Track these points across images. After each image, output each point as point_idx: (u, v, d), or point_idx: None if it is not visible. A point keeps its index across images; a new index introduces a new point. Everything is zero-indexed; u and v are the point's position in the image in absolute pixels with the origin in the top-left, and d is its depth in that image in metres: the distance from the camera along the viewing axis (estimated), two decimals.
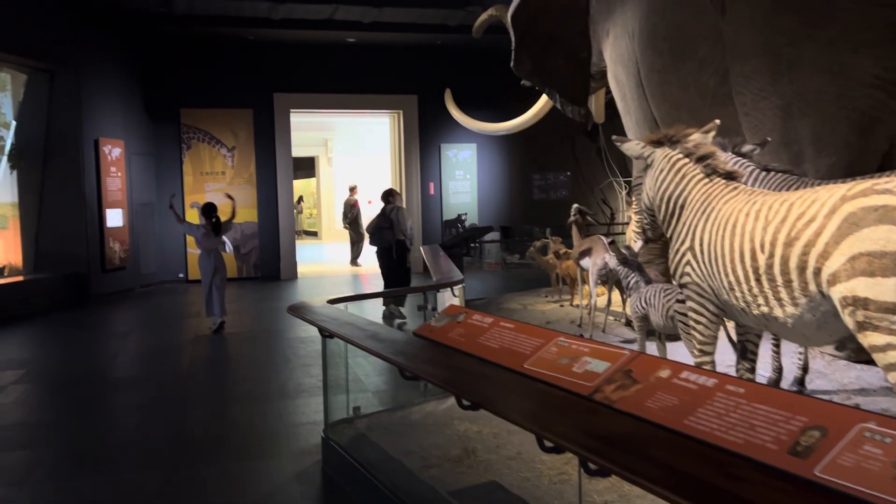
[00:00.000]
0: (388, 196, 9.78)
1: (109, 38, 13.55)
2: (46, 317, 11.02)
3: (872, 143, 5.76)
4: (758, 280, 3.52)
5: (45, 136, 12.34)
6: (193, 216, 13.58)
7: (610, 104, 10.59)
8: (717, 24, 6.39)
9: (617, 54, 7.98)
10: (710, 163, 4.06)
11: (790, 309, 3.41)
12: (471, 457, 4.29)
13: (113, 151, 13.25)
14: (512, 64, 9.05)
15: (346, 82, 15.49)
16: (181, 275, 14.92)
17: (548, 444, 2.13)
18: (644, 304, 5.18)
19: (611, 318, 8.01)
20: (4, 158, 12.03)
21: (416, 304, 6.40)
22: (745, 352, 4.06)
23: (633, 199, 8.36)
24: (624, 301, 7.38)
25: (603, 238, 7.28)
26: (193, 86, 14.81)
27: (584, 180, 17.11)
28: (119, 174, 13.43)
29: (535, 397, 2.42)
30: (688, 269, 3.98)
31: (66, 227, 12.36)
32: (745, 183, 4.74)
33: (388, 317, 8.41)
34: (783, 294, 3.42)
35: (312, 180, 27.21)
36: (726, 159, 4.08)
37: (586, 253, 7.10)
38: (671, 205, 4.18)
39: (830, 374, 5.81)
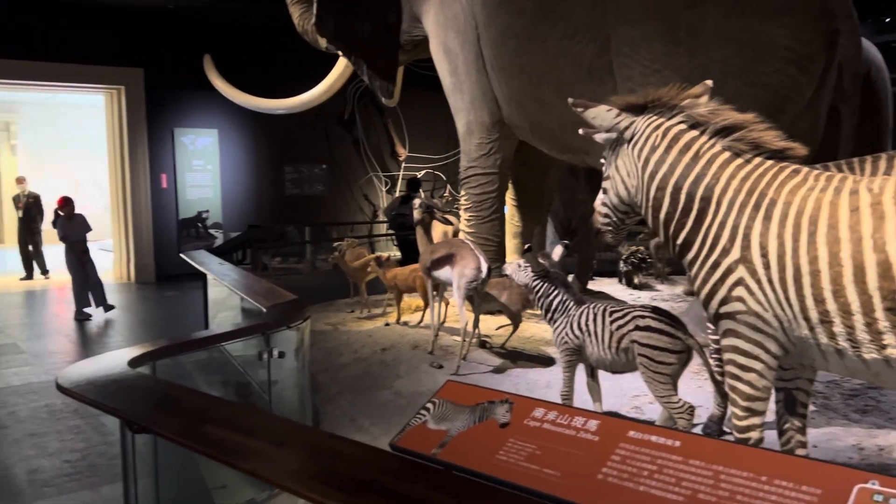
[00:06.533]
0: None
1: None
2: None
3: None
4: (891, 309, 2.35)
5: None
6: None
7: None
8: None
9: (446, 18, 6.60)
10: (746, 135, 2.84)
11: None
12: None
13: None
14: (314, 22, 7.19)
15: (49, 48, 12.17)
16: None
17: None
18: (578, 332, 3.86)
19: (454, 338, 6.29)
20: None
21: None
22: (795, 405, 2.91)
23: (462, 192, 7.06)
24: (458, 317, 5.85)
25: (471, 242, 5.76)
26: None
27: (341, 175, 15.52)
28: None
29: None
30: (740, 291, 2.71)
31: None
32: None
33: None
34: None
35: None
36: (770, 130, 2.88)
37: (445, 261, 5.52)
38: (683, 197, 2.91)
39: None
